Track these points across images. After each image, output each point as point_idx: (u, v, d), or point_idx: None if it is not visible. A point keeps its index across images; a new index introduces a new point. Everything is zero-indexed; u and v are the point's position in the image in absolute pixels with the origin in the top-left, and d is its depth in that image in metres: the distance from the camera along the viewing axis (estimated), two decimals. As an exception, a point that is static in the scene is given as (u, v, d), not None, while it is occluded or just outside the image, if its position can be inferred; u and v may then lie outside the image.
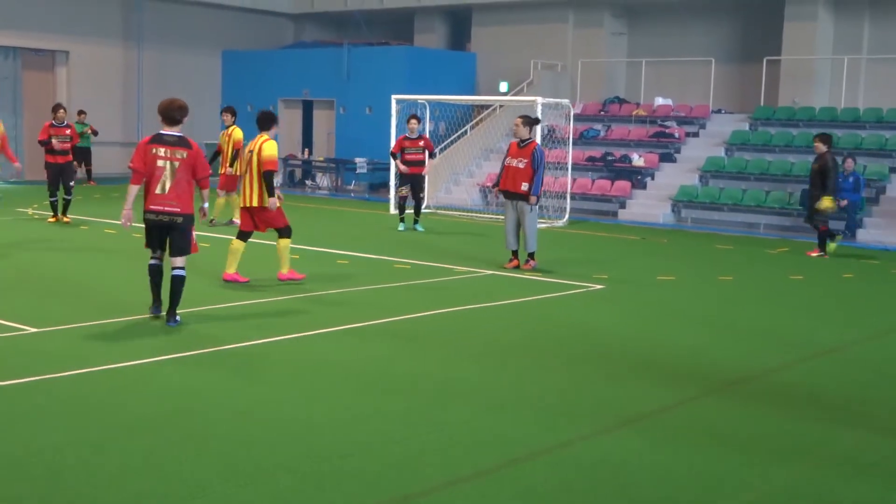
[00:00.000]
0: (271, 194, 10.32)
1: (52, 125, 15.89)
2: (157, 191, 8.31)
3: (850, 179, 17.64)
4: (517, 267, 12.42)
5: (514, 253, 12.55)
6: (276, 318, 9.14)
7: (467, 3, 27.32)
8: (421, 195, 17.00)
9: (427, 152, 16.81)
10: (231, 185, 15.57)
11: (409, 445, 5.63)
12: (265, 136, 10.46)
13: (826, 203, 14.52)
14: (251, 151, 10.45)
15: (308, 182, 26.62)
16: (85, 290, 10.22)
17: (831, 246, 14.95)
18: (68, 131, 16.06)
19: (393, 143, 17.75)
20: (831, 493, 5.12)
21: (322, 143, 27.78)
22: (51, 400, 6.29)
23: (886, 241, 16.89)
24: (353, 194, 24.90)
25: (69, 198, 15.97)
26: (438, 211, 20.46)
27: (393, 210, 18.12)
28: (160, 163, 8.31)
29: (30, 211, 17.62)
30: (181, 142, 8.40)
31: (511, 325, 9.24)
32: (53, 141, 15.62)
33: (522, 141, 12.42)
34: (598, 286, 11.45)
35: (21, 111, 25.60)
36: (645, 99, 24.68)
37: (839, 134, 20.38)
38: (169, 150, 8.34)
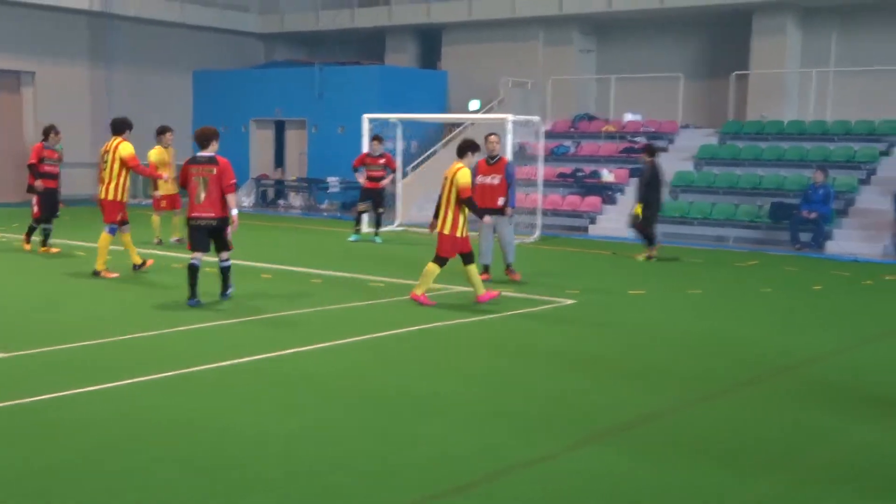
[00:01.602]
0: (479, 216, 11.17)
1: (43, 147, 14.82)
2: (196, 201, 10.16)
3: (820, 192, 17.88)
4: (489, 280, 12.49)
5: (487, 267, 12.67)
6: (253, 337, 9.08)
7: (438, 22, 27.45)
8: (380, 210, 17.72)
9: (388, 169, 17.67)
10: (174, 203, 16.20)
11: (388, 461, 5.62)
12: (461, 164, 10.81)
13: (637, 210, 15.52)
14: (445, 178, 10.87)
15: (281, 201, 26.57)
16: (53, 314, 10.12)
17: (641, 256, 15.79)
18: (57, 155, 15.13)
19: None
20: (811, 501, 5.17)
21: (294, 162, 27.74)
22: (27, 424, 6.22)
23: (856, 253, 17.08)
24: (325, 213, 24.85)
25: (50, 227, 14.95)
26: (411, 228, 20.44)
27: (367, 228, 18.26)
28: (195, 179, 10.13)
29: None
30: (210, 160, 10.20)
31: (486, 340, 9.25)
32: (45, 164, 14.65)
33: (492, 158, 12.54)
34: (570, 301, 11.50)
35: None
36: (614, 115, 24.86)
37: (808, 147, 20.67)
38: (201, 168, 10.15)
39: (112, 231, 12.46)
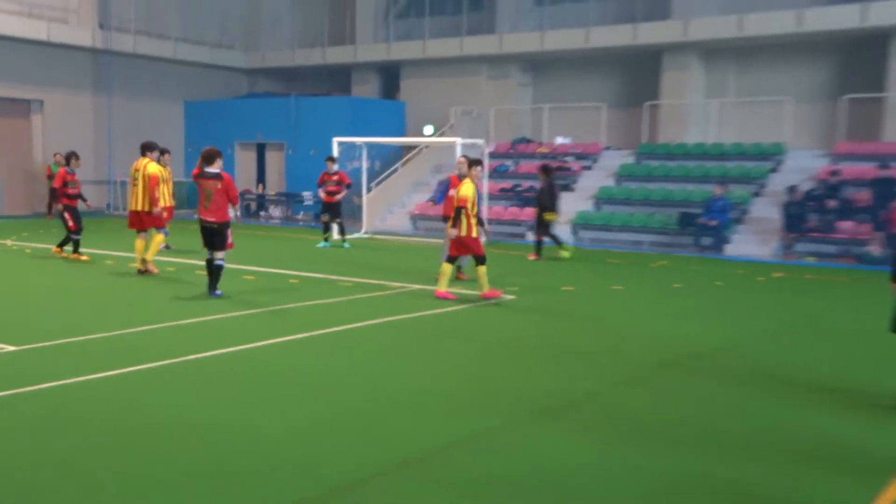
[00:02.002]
0: (453, 225, 10.93)
1: (66, 172, 14.47)
2: (202, 208, 10.77)
3: (720, 203, 18.10)
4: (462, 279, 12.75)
5: (459, 268, 12.89)
6: (230, 331, 8.90)
7: (397, 60, 27.36)
8: (338, 219, 17.77)
9: (342, 184, 17.62)
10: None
11: (336, 436, 5.50)
12: (467, 179, 11.07)
13: (551, 216, 16.07)
14: (454, 189, 11.19)
15: (262, 213, 26.27)
16: (62, 311, 9.84)
17: (566, 252, 16.24)
18: (76, 177, 14.62)
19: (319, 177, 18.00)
20: (710, 474, 5.15)
21: (274, 179, 27.44)
22: (16, 415, 6.01)
23: (750, 254, 17.34)
24: (301, 223, 24.63)
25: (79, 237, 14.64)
26: (376, 236, 20.34)
27: (336, 236, 18.13)
28: (203, 189, 10.70)
29: (9, 242, 16.95)
30: (216, 176, 10.73)
31: (437, 330, 9.17)
32: (69, 187, 14.35)
33: (461, 175, 12.64)
34: (511, 297, 11.47)
35: None
36: (547, 138, 24.99)
37: (709, 165, 20.94)
38: (208, 182, 10.70)
39: (164, 233, 13.47)
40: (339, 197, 17.58)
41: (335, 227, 18.07)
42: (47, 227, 20.75)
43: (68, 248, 14.65)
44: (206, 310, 9.95)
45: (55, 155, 24.22)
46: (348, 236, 18.35)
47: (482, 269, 11.03)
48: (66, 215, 14.40)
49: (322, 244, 17.69)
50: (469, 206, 10.86)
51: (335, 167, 17.64)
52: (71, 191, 14.55)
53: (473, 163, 11.42)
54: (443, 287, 11.18)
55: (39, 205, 25.19)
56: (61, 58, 25.56)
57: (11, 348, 7.81)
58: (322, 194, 17.66)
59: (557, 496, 4.63)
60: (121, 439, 5.39)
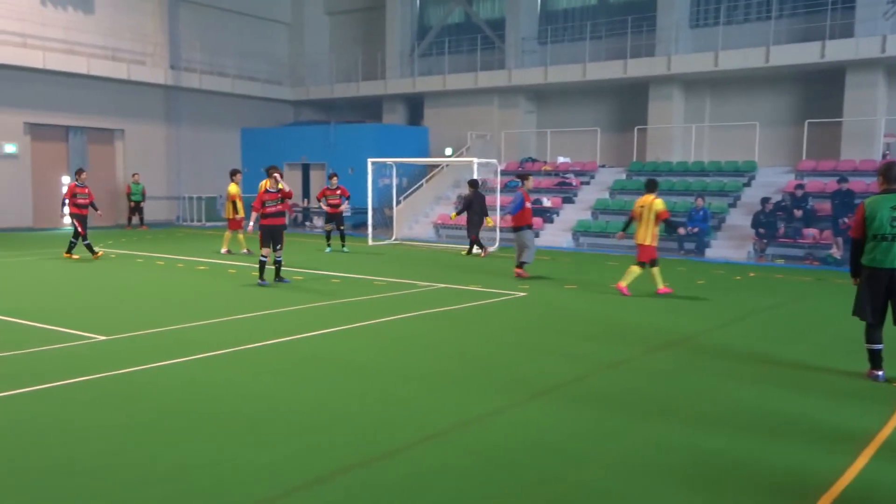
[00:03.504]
0: (672, 230, 12.34)
1: (76, 185, 14.87)
2: (268, 213, 11.63)
3: (700, 213, 17.99)
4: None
5: (521, 265, 13.41)
6: (280, 324, 8.99)
7: (420, 92, 27.44)
8: (341, 227, 17.65)
9: (344, 198, 17.51)
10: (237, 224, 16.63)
11: (382, 416, 5.54)
12: (652, 196, 11.21)
13: (490, 222, 17.18)
14: (642, 207, 11.20)
15: (307, 223, 26.40)
16: (141, 307, 9.98)
17: (480, 253, 16.94)
18: (87, 190, 14.97)
19: (346, 194, 17.70)
20: (693, 443, 5.15)
21: (316, 194, 27.57)
22: (106, 392, 6.12)
23: (728, 257, 17.21)
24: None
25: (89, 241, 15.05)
26: (404, 242, 20.38)
27: (370, 242, 18.16)
28: (269, 201, 11.59)
29: (97, 248, 17.13)
30: (278, 189, 11.70)
31: (460, 322, 9.18)
32: (78, 198, 14.69)
33: (529, 190, 13.67)
34: (521, 294, 11.48)
35: (88, 175, 25.07)
36: (550, 158, 24.94)
37: (690, 180, 20.81)
38: (273, 195, 11.63)
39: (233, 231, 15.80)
40: (342, 208, 17.50)
41: (337, 235, 17.72)
42: (128, 237, 21.01)
43: (86, 250, 14.94)
44: (260, 305, 10.04)
45: (134, 175, 24.65)
46: (381, 242, 18.31)
47: (657, 270, 11.46)
48: (76, 222, 14.67)
49: (328, 249, 17.57)
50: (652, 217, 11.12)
51: (337, 182, 17.41)
52: (80, 201, 14.85)
53: (524, 177, 12.99)
54: (624, 283, 11.50)
55: (120, 217, 25.51)
56: (139, 94, 25.87)
57: (102, 338, 7.94)
58: (325, 206, 17.44)
59: (556, 458, 4.65)
60: (195, 409, 5.50)
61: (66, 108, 24.08)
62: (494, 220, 19.15)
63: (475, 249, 17.28)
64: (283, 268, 12.36)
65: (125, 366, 6.78)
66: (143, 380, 6.42)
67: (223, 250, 16.53)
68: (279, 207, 11.71)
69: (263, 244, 11.70)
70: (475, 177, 18.59)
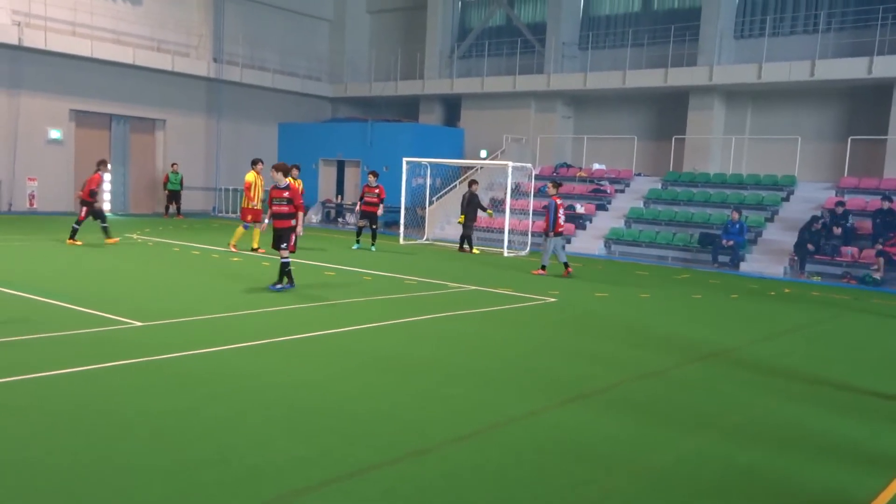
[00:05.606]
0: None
1: (101, 177, 15.25)
2: (275, 212, 10.76)
3: (737, 226, 17.75)
4: (543, 275, 14.16)
5: (544, 267, 14.37)
6: (314, 318, 9.06)
7: (458, 93, 27.47)
8: (374, 226, 17.45)
9: (380, 198, 17.35)
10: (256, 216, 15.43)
11: (418, 413, 5.58)
12: None
13: (490, 213, 18.53)
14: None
15: (340, 219, 26.57)
16: (177, 294, 10.14)
17: (476, 250, 17.84)
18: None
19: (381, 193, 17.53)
20: (728, 456, 5.09)
21: (351, 191, 27.70)
22: (151, 376, 6.23)
23: (763, 272, 16.95)
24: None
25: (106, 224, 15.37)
26: (436, 242, 20.43)
27: (402, 241, 18.22)
28: (275, 200, 10.70)
29: (135, 236, 17.51)
30: (287, 187, 10.69)
31: (492, 324, 9.17)
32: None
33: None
34: (552, 299, 11.44)
35: (129, 163, 25.60)
36: (585, 164, 24.79)
37: (727, 192, 20.55)
38: (281, 192, 10.67)
39: (245, 227, 15.36)
40: (378, 209, 17.27)
41: (369, 233, 17.67)
42: (165, 225, 21.38)
43: (101, 234, 15.20)
44: (293, 300, 10.13)
45: (173, 165, 25.08)
46: (412, 242, 18.36)
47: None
48: (84, 210, 14.90)
49: (356, 246, 17.48)
50: None
51: (376, 181, 17.25)
52: (96, 188, 15.11)
53: (558, 184, 14.02)
54: None
55: (158, 206, 25.96)
56: (181, 85, 26.30)
57: (138, 324, 8.08)
58: (360, 204, 17.30)
59: (588, 463, 4.63)
60: (235, 398, 5.56)
61: (110, 97, 24.58)
62: (525, 224, 19.15)
63: (464, 246, 18.13)
64: (289, 268, 10.90)
65: (162, 352, 6.90)
66: (180, 367, 6.52)
67: (231, 246, 15.61)
68: (286, 209, 10.63)
69: (273, 244, 10.84)
70: (510, 179, 18.62)
